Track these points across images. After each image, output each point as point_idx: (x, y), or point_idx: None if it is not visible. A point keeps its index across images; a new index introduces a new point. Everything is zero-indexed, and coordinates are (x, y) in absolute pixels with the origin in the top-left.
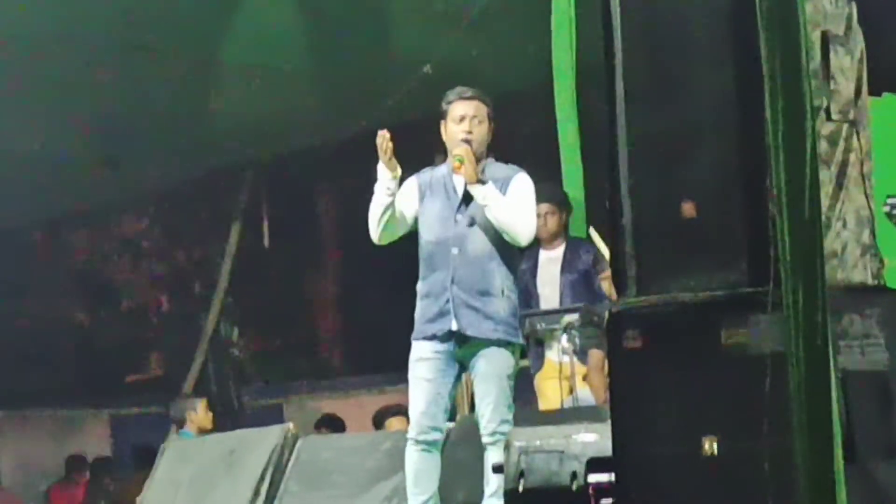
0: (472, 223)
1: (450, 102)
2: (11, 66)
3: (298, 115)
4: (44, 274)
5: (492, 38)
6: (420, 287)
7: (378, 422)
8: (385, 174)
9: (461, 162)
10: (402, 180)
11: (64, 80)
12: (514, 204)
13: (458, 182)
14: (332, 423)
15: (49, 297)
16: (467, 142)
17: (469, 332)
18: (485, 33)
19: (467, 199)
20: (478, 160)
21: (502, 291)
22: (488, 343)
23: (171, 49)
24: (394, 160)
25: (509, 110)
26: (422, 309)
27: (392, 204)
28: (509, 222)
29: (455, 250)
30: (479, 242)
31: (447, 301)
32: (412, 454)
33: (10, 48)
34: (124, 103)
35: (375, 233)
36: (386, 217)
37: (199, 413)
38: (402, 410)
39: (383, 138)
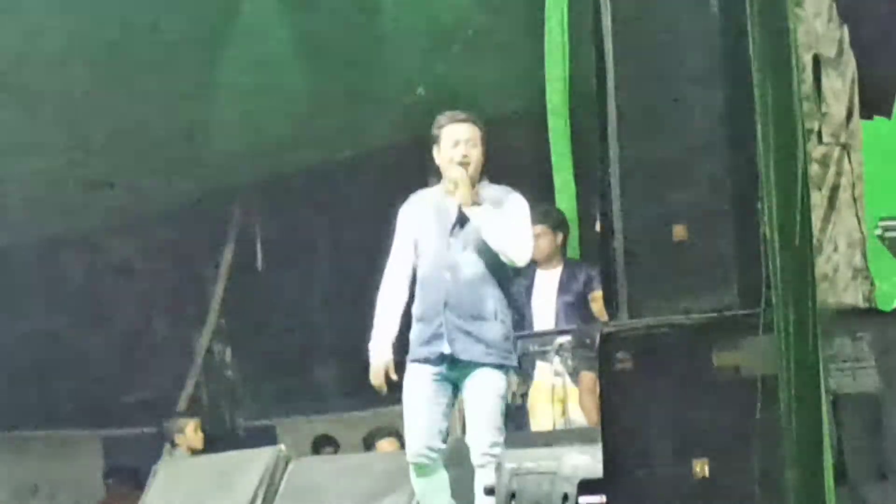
0: (465, 247)
1: (441, 126)
2: (4, 87)
3: (292, 136)
4: (37, 294)
5: (485, 60)
6: (414, 310)
7: (369, 443)
8: None
9: (456, 185)
10: (395, 205)
11: (57, 102)
12: (510, 225)
13: (452, 205)
14: (331, 444)
15: (42, 318)
16: (464, 165)
17: (462, 357)
18: (478, 55)
19: (461, 222)
20: (473, 183)
21: (495, 315)
22: (481, 365)
23: (165, 70)
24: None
25: (502, 132)
26: (416, 332)
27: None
28: (505, 243)
29: (448, 275)
30: (471, 266)
31: (440, 325)
32: (413, 478)
33: (3, 68)
34: (117, 124)
35: None
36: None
37: (188, 434)
38: (392, 432)
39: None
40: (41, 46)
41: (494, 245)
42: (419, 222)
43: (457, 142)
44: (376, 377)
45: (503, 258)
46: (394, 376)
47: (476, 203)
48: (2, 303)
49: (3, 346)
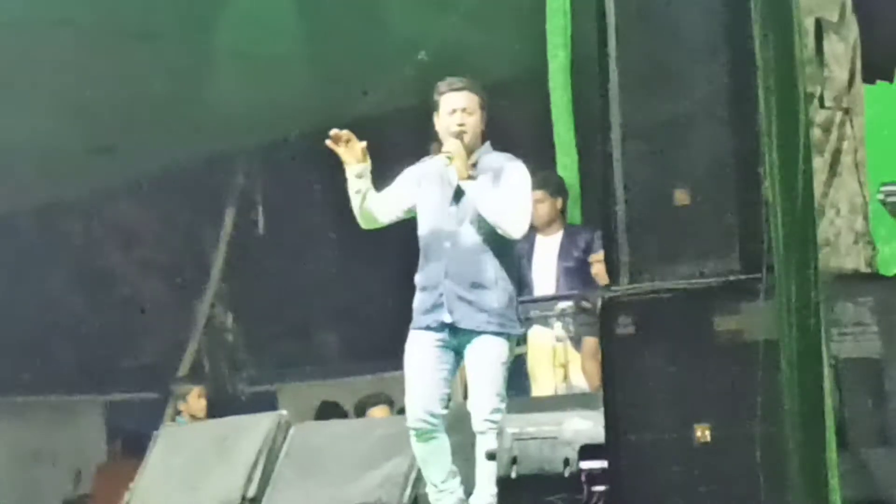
0: (464, 217)
1: (441, 94)
2: (5, 53)
3: (293, 101)
4: (37, 261)
5: (487, 25)
6: (417, 278)
7: (360, 410)
8: (353, 170)
9: (451, 160)
10: (398, 171)
11: (58, 67)
12: (506, 197)
13: (453, 174)
14: (336, 412)
15: (43, 284)
16: (460, 135)
17: (462, 325)
18: (480, 20)
19: (461, 191)
20: (471, 150)
21: (496, 282)
22: (482, 333)
23: (166, 35)
24: (359, 156)
25: (504, 97)
26: (419, 300)
27: (367, 190)
28: (500, 218)
29: (448, 244)
30: (471, 235)
31: (441, 294)
32: (413, 443)
33: (4, 34)
34: (118, 89)
35: (362, 218)
36: (362, 203)
37: (191, 401)
38: (384, 399)
39: (353, 144)
40: (40, 12)
41: (490, 219)
42: (422, 185)
43: (453, 110)
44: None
45: (499, 231)
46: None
47: (472, 176)
48: (2, 269)
49: (4, 312)
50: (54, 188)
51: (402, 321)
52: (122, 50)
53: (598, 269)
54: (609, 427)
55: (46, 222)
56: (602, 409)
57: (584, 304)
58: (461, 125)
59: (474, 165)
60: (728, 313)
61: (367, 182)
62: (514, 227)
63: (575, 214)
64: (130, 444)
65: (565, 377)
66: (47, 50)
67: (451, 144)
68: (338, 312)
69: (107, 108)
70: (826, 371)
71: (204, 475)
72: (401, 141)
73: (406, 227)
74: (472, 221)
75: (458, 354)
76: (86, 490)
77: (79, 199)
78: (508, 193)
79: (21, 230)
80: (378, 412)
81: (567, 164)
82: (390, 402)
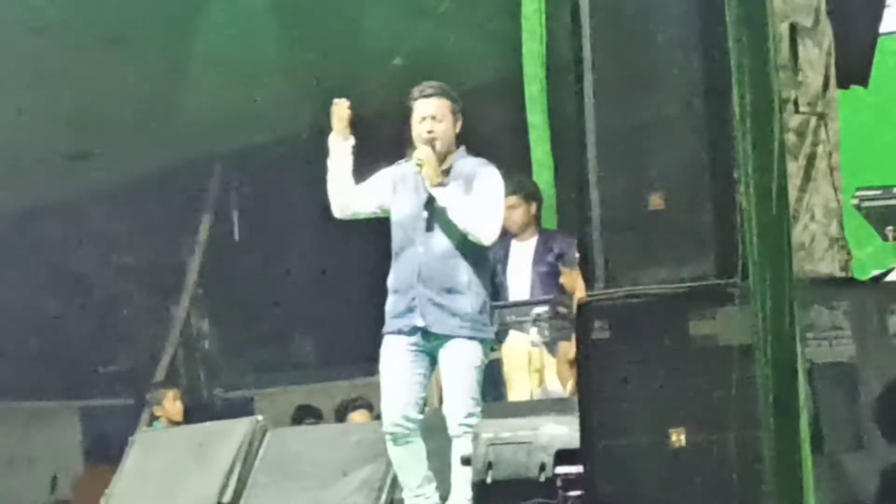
0: (437, 221)
1: (413, 100)
2: None
3: (269, 107)
4: (14, 264)
5: (462, 29)
6: (389, 282)
7: (340, 415)
8: (340, 143)
9: (421, 167)
10: (370, 173)
11: (34, 72)
12: (477, 203)
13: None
14: (313, 413)
15: (19, 289)
16: (431, 142)
17: (434, 329)
18: (455, 25)
19: (433, 198)
20: (444, 156)
21: (469, 286)
22: (455, 337)
23: (142, 40)
24: (348, 129)
25: (480, 102)
26: (391, 304)
27: (349, 171)
28: (470, 224)
29: (421, 248)
30: (444, 240)
31: (413, 298)
32: (389, 447)
33: None
34: (95, 94)
35: (336, 204)
36: (346, 185)
37: (167, 405)
38: (364, 404)
39: (341, 106)
40: (17, 16)
41: (461, 225)
42: (396, 189)
43: (423, 118)
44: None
45: (470, 237)
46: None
47: (443, 183)
48: None
49: None
50: (31, 193)
51: (379, 327)
52: (99, 55)
53: (566, 280)
54: (584, 432)
55: (23, 227)
56: (577, 414)
57: (561, 308)
58: (430, 132)
59: (447, 171)
60: (703, 318)
61: (350, 160)
62: (484, 234)
63: (551, 219)
64: (106, 449)
65: (540, 382)
66: (23, 56)
67: (421, 151)
68: (314, 318)
69: (83, 113)
70: (801, 375)
71: (180, 480)
72: (376, 146)
73: (383, 233)
74: (444, 227)
75: (433, 359)
76: (63, 496)
77: (55, 204)
78: (479, 200)
79: None
80: (358, 416)
81: (543, 169)
82: (370, 407)
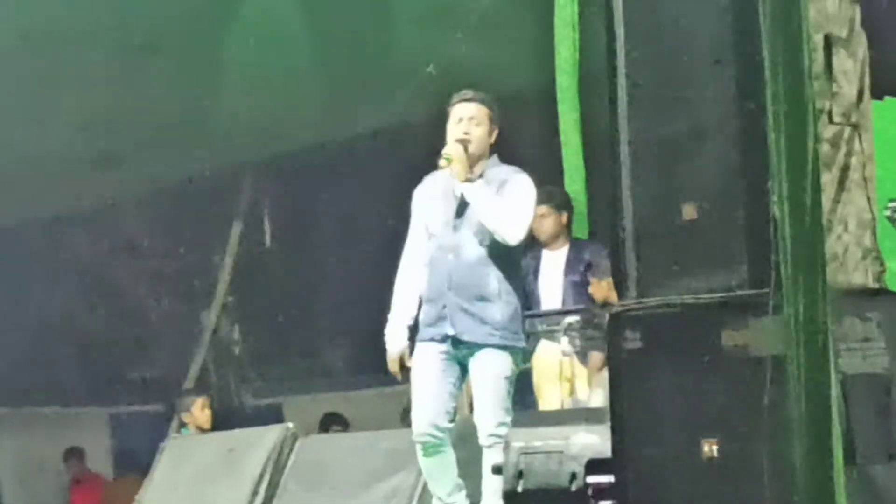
0: (468, 228)
1: (452, 105)
2: (10, 64)
3: (301, 115)
4: (44, 272)
5: (496, 39)
6: (423, 291)
7: (324, 428)
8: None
9: (448, 161)
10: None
11: (64, 78)
12: (506, 203)
13: (457, 186)
14: (339, 421)
15: (49, 296)
16: (463, 142)
17: (464, 338)
18: (489, 35)
19: (464, 204)
20: (477, 160)
21: (500, 295)
22: (485, 346)
23: (173, 47)
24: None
25: (512, 112)
26: (424, 312)
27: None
28: (497, 222)
29: (451, 255)
30: (475, 247)
31: (444, 306)
32: (419, 457)
33: (8, 45)
34: (125, 101)
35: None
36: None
37: (195, 412)
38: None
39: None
40: (48, 23)
41: (486, 221)
42: (429, 205)
43: (460, 119)
44: (392, 364)
45: (496, 236)
46: (409, 364)
47: (470, 179)
48: (11, 281)
49: (12, 324)
50: (61, 200)
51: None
52: (131, 63)
53: (595, 290)
54: (616, 441)
55: (53, 234)
56: (609, 424)
57: (594, 318)
58: (466, 133)
59: (480, 176)
60: (735, 328)
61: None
62: (510, 233)
63: (583, 229)
64: (135, 456)
65: (571, 391)
66: (53, 61)
67: (451, 147)
68: (344, 325)
69: (115, 121)
70: (833, 386)
71: (210, 487)
72: (409, 154)
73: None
74: (476, 234)
75: (464, 368)
76: None
77: (86, 211)
78: (509, 200)
79: (28, 242)
80: None
81: (575, 179)
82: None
